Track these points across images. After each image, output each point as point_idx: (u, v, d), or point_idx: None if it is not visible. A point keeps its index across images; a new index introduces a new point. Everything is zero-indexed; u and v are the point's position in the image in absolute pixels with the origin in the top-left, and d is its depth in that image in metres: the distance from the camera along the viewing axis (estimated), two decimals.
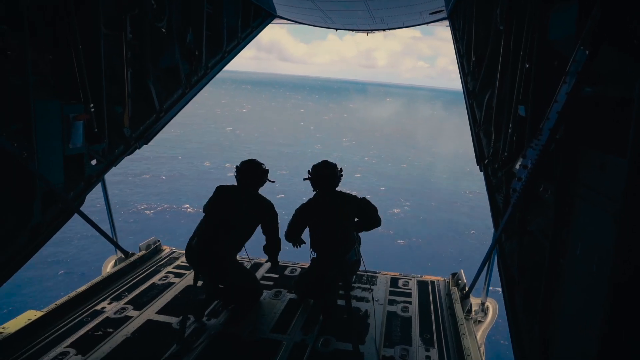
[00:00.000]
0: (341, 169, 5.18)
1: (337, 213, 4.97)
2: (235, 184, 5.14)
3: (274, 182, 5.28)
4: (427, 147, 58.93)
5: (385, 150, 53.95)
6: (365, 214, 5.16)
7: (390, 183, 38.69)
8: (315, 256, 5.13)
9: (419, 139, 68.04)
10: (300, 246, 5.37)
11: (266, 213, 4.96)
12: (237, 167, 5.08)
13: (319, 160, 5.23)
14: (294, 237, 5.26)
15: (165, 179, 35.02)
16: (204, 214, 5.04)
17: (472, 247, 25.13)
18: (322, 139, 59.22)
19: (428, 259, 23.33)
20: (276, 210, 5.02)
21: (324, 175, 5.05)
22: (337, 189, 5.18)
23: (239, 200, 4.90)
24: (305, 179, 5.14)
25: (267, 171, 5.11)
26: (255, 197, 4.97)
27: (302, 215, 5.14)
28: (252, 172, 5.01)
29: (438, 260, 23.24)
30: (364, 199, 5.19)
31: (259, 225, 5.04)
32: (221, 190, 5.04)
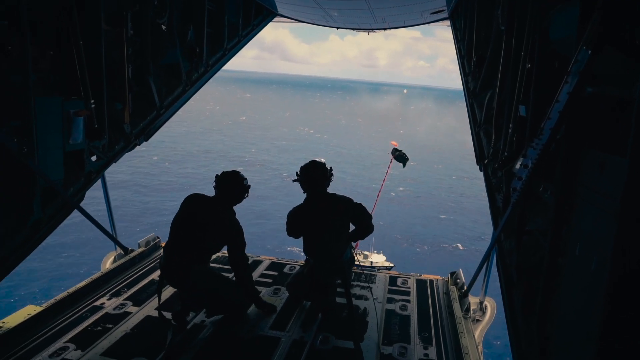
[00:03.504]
0: (331, 168, 4.98)
1: (330, 217, 4.78)
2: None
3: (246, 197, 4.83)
4: None
5: None
6: (360, 221, 4.92)
7: None
8: (309, 259, 5.07)
9: None
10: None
11: (233, 238, 4.56)
12: (217, 176, 4.70)
13: (308, 161, 4.99)
14: (293, 234, 5.03)
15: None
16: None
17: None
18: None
19: None
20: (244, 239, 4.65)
21: (314, 177, 4.82)
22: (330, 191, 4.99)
23: (207, 215, 4.48)
24: (294, 181, 4.93)
25: (248, 187, 4.75)
26: (225, 217, 4.53)
27: (294, 221, 4.94)
28: (232, 187, 4.63)
29: None
30: (359, 204, 4.93)
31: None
32: (190, 200, 4.62)
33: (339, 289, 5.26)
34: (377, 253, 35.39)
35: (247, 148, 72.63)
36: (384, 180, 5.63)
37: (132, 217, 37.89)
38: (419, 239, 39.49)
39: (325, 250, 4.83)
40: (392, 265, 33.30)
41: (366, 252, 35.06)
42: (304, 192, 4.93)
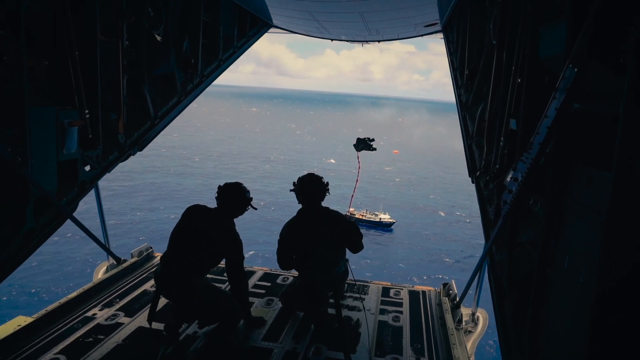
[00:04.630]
0: (327, 183, 4.96)
1: (323, 229, 4.76)
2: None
3: (256, 209, 4.88)
4: None
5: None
6: (352, 240, 4.88)
7: None
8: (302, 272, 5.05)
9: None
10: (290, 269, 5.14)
11: (232, 251, 4.49)
12: (219, 187, 4.66)
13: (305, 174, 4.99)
14: (283, 259, 4.99)
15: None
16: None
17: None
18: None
19: None
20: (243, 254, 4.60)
21: (310, 191, 4.83)
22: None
23: (208, 226, 4.42)
24: (291, 190, 4.97)
25: (250, 199, 4.72)
26: (225, 230, 4.46)
27: (288, 236, 4.87)
28: (234, 199, 4.60)
29: None
30: (353, 223, 4.93)
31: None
32: (191, 211, 4.55)
33: (331, 300, 5.25)
34: (384, 213, 49.24)
35: (269, 151, 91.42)
36: (358, 169, 5.87)
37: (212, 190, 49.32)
38: (414, 206, 58.34)
39: (318, 262, 4.81)
40: (394, 221, 47.91)
41: (376, 212, 49.13)
42: (299, 203, 4.93)
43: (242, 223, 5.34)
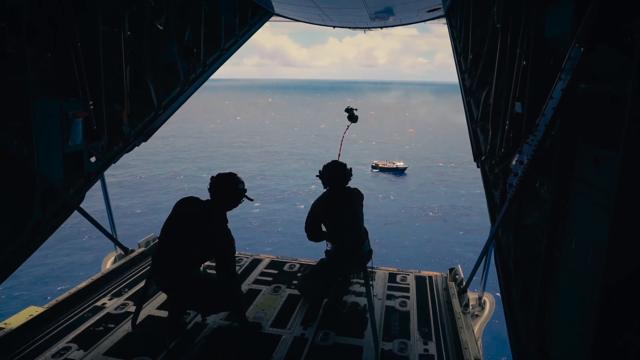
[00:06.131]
0: (351, 168, 5.09)
1: (349, 208, 4.97)
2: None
3: (252, 200, 4.63)
4: None
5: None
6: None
7: None
8: (331, 249, 5.10)
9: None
10: (317, 241, 5.09)
11: (221, 250, 4.20)
12: (212, 177, 4.42)
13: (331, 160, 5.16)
14: (311, 229, 5.00)
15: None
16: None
17: None
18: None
19: None
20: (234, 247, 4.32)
21: (335, 177, 5.00)
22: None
23: (198, 222, 4.18)
24: (317, 176, 5.09)
25: (244, 191, 4.45)
26: (216, 226, 4.21)
27: (317, 210, 5.00)
28: (227, 190, 4.33)
29: None
30: (362, 195, 5.18)
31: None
32: (182, 204, 4.32)
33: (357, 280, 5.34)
34: (399, 162, 64.95)
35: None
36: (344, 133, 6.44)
37: (274, 179, 59.39)
38: (424, 163, 71.78)
39: (347, 233, 4.92)
40: (407, 166, 64.05)
41: (393, 161, 64.81)
42: (324, 188, 5.10)
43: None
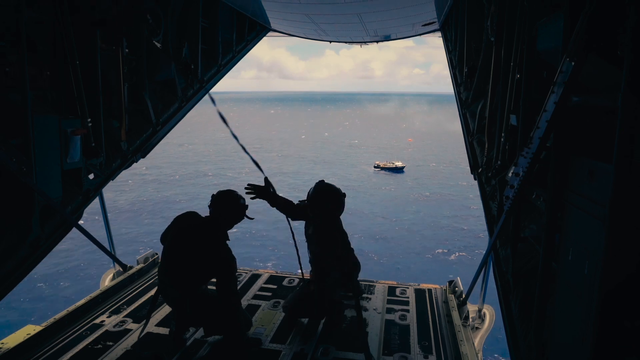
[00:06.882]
0: (344, 194, 4.63)
1: (333, 233, 4.61)
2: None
3: (252, 219, 4.53)
4: None
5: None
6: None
7: None
8: (312, 272, 4.93)
9: None
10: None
11: (222, 271, 4.16)
12: (212, 196, 4.36)
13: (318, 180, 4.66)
14: (293, 214, 4.69)
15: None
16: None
17: None
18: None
19: None
20: (235, 266, 4.27)
21: (328, 209, 4.52)
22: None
23: (197, 241, 4.17)
24: (303, 202, 4.68)
25: (245, 207, 4.39)
26: (215, 246, 4.18)
27: (305, 213, 4.66)
28: (227, 207, 4.30)
29: None
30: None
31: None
32: (181, 221, 4.32)
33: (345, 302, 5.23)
34: (398, 162, 69.44)
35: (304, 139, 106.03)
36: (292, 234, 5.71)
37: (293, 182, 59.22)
38: (419, 163, 75.32)
39: (329, 263, 4.67)
40: (405, 165, 68.64)
41: (393, 162, 69.98)
42: (310, 215, 4.65)
43: None
